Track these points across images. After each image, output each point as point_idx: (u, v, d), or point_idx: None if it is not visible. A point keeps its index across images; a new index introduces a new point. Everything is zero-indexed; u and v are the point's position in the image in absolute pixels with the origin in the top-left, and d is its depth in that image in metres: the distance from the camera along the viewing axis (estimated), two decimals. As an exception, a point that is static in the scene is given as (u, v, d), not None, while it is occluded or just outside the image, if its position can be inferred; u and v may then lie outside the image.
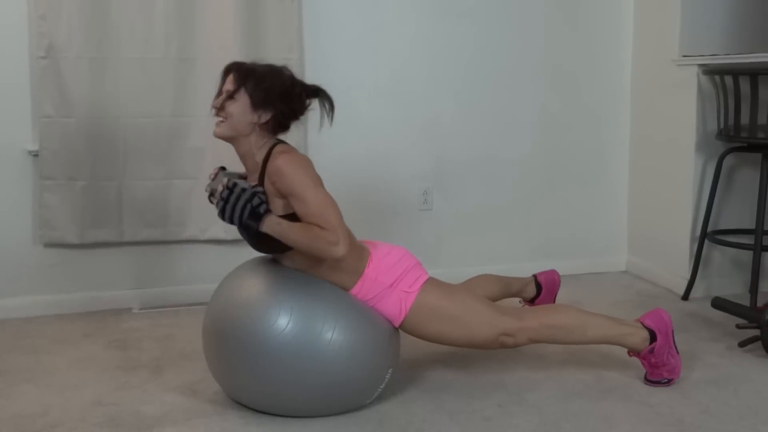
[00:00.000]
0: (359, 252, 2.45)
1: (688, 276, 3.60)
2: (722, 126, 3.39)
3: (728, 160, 3.53)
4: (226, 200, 2.26)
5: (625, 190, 4.10)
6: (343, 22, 3.63)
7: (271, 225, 2.27)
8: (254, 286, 2.38)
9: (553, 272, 3.19)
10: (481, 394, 2.56)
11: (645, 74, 3.90)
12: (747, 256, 3.54)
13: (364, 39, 3.67)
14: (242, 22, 3.39)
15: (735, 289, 3.65)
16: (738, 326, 2.93)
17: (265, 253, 2.49)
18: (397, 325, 2.49)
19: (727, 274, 3.69)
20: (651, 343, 2.54)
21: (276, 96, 2.36)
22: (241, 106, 2.36)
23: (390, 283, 2.45)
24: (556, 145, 3.98)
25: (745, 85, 3.23)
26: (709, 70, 3.42)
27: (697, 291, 3.59)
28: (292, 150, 2.40)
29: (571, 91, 3.96)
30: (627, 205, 4.10)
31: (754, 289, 3.24)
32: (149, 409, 2.47)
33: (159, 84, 3.37)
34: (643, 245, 4.00)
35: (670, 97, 3.69)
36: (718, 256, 3.66)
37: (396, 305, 2.46)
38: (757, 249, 3.26)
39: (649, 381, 2.60)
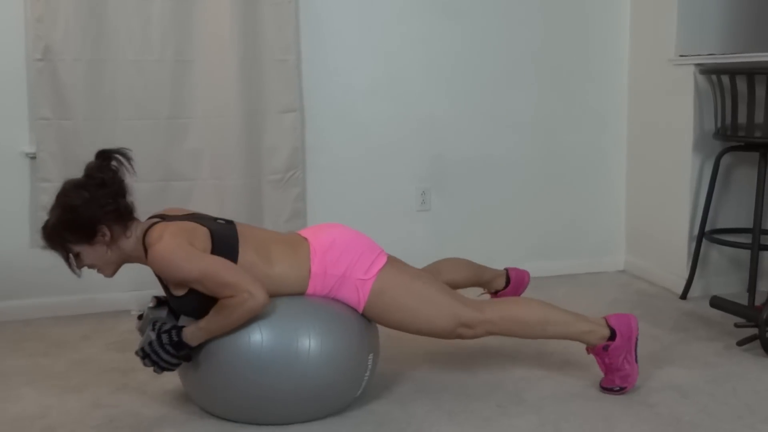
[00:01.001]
0: (296, 257, 2.39)
1: (686, 275, 3.60)
2: (719, 125, 3.40)
3: (725, 159, 3.53)
4: (152, 363, 2.28)
5: (622, 190, 4.10)
6: (340, 22, 3.63)
7: (195, 337, 2.25)
8: None
9: (524, 272, 3.11)
10: (479, 394, 2.56)
11: (642, 74, 3.91)
12: (745, 255, 3.55)
13: (360, 39, 3.67)
14: (239, 24, 3.39)
15: (733, 288, 3.65)
16: (736, 325, 2.94)
17: None
18: (360, 312, 2.44)
19: (725, 273, 3.69)
20: (608, 341, 2.49)
21: (90, 217, 2.28)
22: (87, 253, 2.33)
23: (341, 273, 2.39)
24: (553, 145, 3.98)
25: (742, 85, 3.23)
26: (706, 70, 3.42)
27: (695, 290, 3.59)
28: (156, 238, 2.26)
29: (569, 91, 3.96)
30: (625, 204, 4.11)
31: (752, 287, 3.25)
32: (148, 411, 2.47)
33: (156, 86, 3.37)
34: (641, 245, 4.01)
35: (667, 96, 3.70)
36: (715, 255, 3.66)
37: (354, 294, 2.41)
38: (755, 248, 3.26)
39: (602, 388, 2.55)
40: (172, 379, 2.69)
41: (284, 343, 2.26)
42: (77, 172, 3.28)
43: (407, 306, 2.44)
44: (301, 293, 2.40)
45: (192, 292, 2.26)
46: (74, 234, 2.30)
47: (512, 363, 2.83)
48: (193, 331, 2.25)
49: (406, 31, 3.73)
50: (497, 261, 3.49)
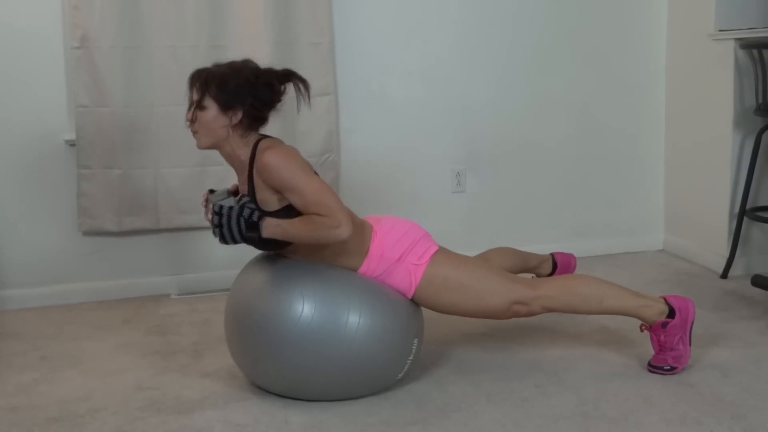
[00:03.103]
0: (361, 231, 2.44)
1: (726, 254, 3.55)
2: (760, 101, 3.34)
3: (767, 136, 3.46)
4: (219, 225, 2.30)
5: (661, 168, 4.05)
6: (374, 4, 3.62)
7: (271, 228, 2.29)
8: (270, 280, 2.37)
9: (570, 255, 3.12)
10: (518, 375, 2.56)
11: (680, 50, 3.84)
12: (787, 232, 3.49)
13: (395, 21, 3.66)
14: (272, 7, 3.39)
15: (775, 267, 3.60)
16: (779, 304, 2.90)
17: (270, 250, 2.48)
18: (410, 297, 2.48)
19: (767, 251, 3.63)
20: (667, 318, 2.48)
21: (242, 93, 2.33)
22: (210, 114, 2.34)
23: (397, 257, 2.44)
24: (590, 124, 3.94)
25: (783, 59, 3.17)
26: (747, 44, 3.36)
27: (736, 269, 3.54)
28: (276, 144, 2.36)
29: (605, 69, 3.91)
30: (663, 183, 4.05)
31: (795, 266, 3.20)
32: (189, 393, 2.50)
33: (191, 71, 3.38)
34: (680, 224, 3.96)
35: (707, 72, 3.63)
36: (757, 233, 3.61)
37: (406, 278, 2.45)
38: (798, 225, 3.21)
39: (651, 366, 2.53)
40: (212, 362, 2.73)
41: (334, 318, 2.29)
42: (116, 159, 3.35)
43: (459, 287, 2.47)
44: (353, 269, 2.43)
45: (281, 212, 2.30)
46: (219, 91, 2.32)
47: (550, 343, 2.82)
48: (271, 223, 2.29)
49: (440, 12, 3.70)
50: (534, 242, 3.48)
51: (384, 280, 2.45)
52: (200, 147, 2.42)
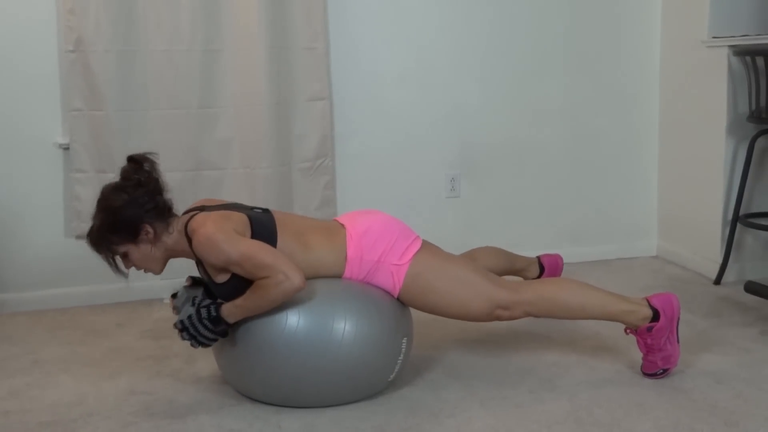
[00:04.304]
0: (333, 242, 2.43)
1: (720, 260, 3.56)
2: (754, 108, 3.35)
3: (760, 143, 3.48)
4: (190, 337, 2.31)
5: (655, 174, 4.06)
6: (368, 10, 3.62)
7: (232, 314, 2.29)
8: None
9: (557, 256, 3.11)
10: (511, 381, 2.56)
11: (674, 56, 3.86)
12: (780, 239, 3.50)
13: (389, 26, 3.66)
14: (267, 12, 3.39)
15: (768, 273, 3.61)
16: (772, 310, 2.90)
17: None
18: (395, 297, 2.47)
19: (760, 257, 3.64)
20: (652, 321, 2.47)
21: (131, 216, 2.34)
22: (133, 252, 2.38)
23: (376, 258, 2.43)
24: (584, 130, 3.95)
25: (777, 66, 3.18)
26: (740, 51, 3.37)
27: (729, 275, 3.55)
28: (199, 225, 2.31)
29: (599, 75, 3.92)
30: (657, 189, 4.06)
31: (787, 272, 3.21)
32: (182, 397, 2.50)
33: (186, 75, 3.39)
34: (673, 230, 3.97)
35: (700, 79, 3.65)
36: (750, 239, 3.62)
37: (389, 279, 2.44)
38: (791, 232, 3.21)
39: (645, 374, 2.53)
40: (205, 366, 2.72)
41: (320, 325, 2.29)
42: (110, 163, 3.34)
43: (442, 289, 2.45)
44: (339, 276, 2.43)
45: (233, 278, 2.30)
46: (118, 235, 2.35)
47: (544, 348, 2.82)
48: (230, 308, 2.29)
49: (434, 17, 3.71)
50: (528, 248, 3.49)
51: (370, 281, 2.45)
52: (159, 273, 2.47)
